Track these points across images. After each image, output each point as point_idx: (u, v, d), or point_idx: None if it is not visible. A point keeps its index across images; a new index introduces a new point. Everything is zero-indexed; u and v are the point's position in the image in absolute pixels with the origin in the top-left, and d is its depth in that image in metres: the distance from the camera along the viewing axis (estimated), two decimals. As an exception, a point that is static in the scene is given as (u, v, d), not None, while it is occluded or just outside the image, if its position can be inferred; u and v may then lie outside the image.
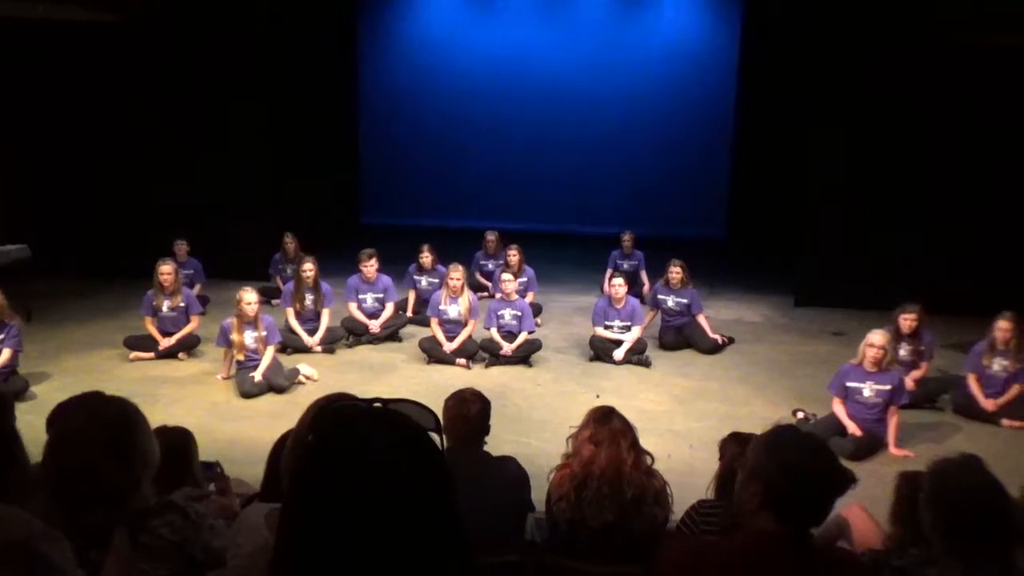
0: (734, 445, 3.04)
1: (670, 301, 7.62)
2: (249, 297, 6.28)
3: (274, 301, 8.28)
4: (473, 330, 7.07)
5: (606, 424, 2.98)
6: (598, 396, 6.00)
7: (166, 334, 6.90)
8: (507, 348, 6.92)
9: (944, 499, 2.06)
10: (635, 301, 7.51)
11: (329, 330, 7.31)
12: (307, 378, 6.47)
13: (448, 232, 11.55)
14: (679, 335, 7.57)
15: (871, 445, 5.25)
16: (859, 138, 8.81)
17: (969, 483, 2.07)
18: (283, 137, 10.32)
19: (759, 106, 12.26)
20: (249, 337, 6.30)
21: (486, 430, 3.28)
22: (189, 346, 7.01)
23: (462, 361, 6.92)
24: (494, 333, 7.03)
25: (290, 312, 7.30)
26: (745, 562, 1.67)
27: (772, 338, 8.06)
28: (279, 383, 6.19)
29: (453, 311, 7.07)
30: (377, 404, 1.08)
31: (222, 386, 6.31)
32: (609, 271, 9.19)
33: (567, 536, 2.90)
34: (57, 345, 7.12)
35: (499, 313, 7.11)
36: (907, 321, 6.11)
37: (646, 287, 9.13)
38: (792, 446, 1.73)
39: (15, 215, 9.00)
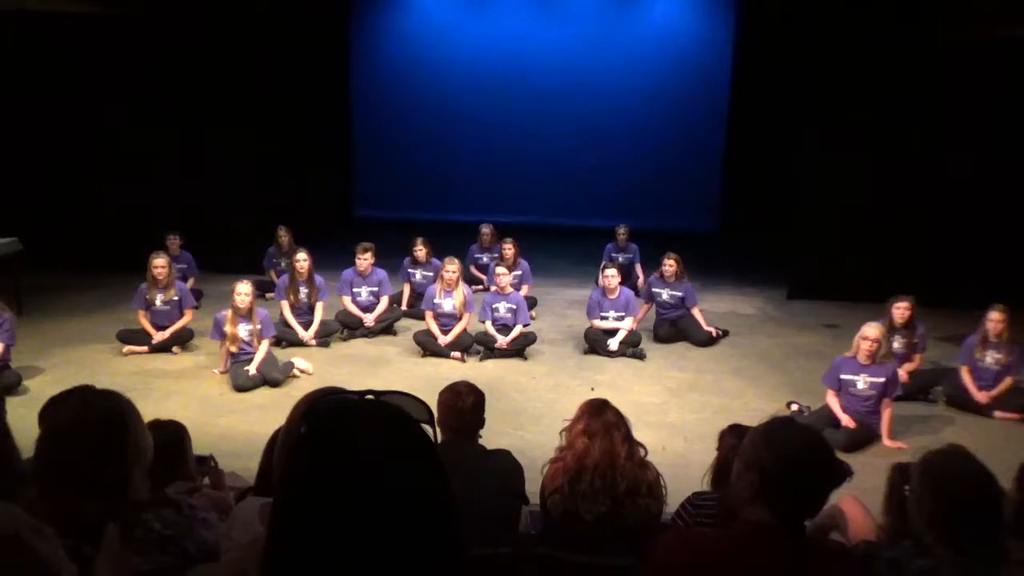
0: (732, 437, 3.03)
1: (665, 294, 7.63)
2: (241, 288, 6.29)
3: (268, 294, 8.27)
4: (468, 323, 7.07)
5: (600, 417, 2.98)
6: (593, 389, 6.02)
7: (159, 328, 6.87)
8: (502, 341, 6.92)
9: (933, 489, 2.06)
10: (628, 291, 7.53)
11: (323, 324, 7.29)
12: (301, 371, 6.46)
13: (442, 225, 11.54)
14: (674, 328, 7.58)
15: (865, 437, 5.28)
16: (854, 132, 8.81)
17: (957, 473, 2.08)
18: (276, 129, 10.28)
19: (753, 99, 12.27)
20: (243, 330, 6.29)
21: (480, 423, 3.27)
22: (183, 340, 7.00)
23: (457, 354, 6.91)
24: (489, 326, 7.03)
25: (285, 305, 7.29)
26: (739, 553, 1.68)
27: (766, 330, 8.08)
28: (273, 377, 6.18)
29: (448, 304, 7.06)
30: (370, 396, 1.08)
31: (216, 380, 6.29)
32: (604, 264, 9.20)
33: (561, 528, 2.91)
34: (50, 339, 7.09)
35: (494, 306, 7.11)
36: (900, 311, 6.14)
37: (641, 280, 9.15)
38: (789, 438, 1.73)
39: (6, 208, 8.94)
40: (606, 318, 7.22)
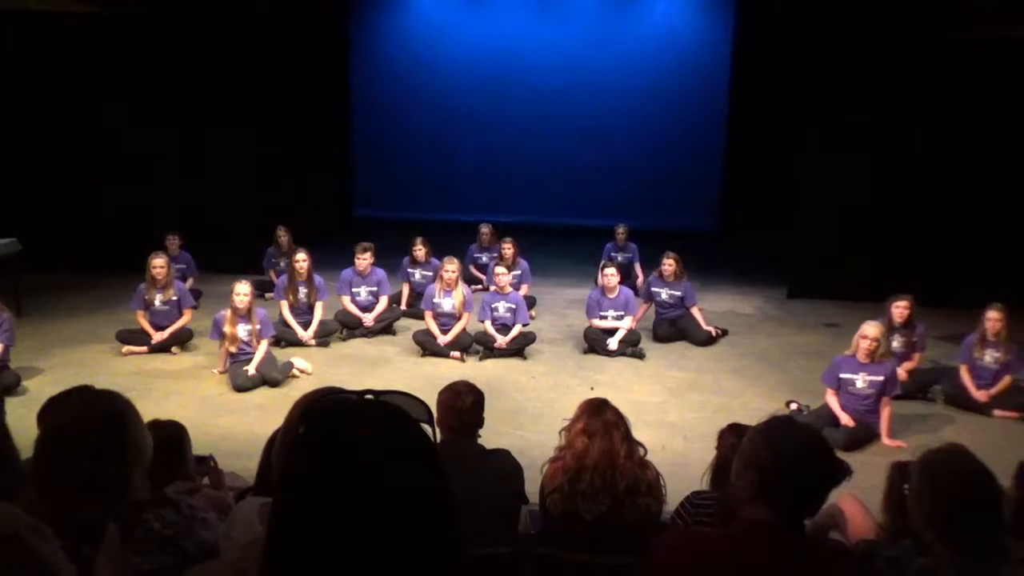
0: (731, 436, 3.03)
1: (664, 294, 7.63)
2: (240, 288, 6.29)
3: (267, 294, 8.27)
4: (467, 323, 7.07)
5: (599, 416, 2.98)
6: (592, 388, 6.02)
7: (159, 328, 6.87)
8: (501, 341, 6.92)
9: (933, 488, 2.06)
10: (628, 291, 7.53)
11: (323, 323, 7.29)
12: (301, 371, 6.46)
13: (442, 225, 11.54)
14: (673, 327, 7.58)
15: (864, 436, 5.29)
16: (854, 132, 8.80)
17: (957, 472, 2.08)
18: (276, 129, 10.28)
19: (753, 99, 12.27)
20: (242, 330, 6.29)
21: (480, 423, 3.27)
22: (182, 340, 6.99)
23: (456, 354, 6.91)
24: (488, 326, 7.03)
25: (284, 305, 7.29)
26: (738, 552, 1.68)
27: (765, 330, 8.08)
28: (273, 377, 6.18)
29: (447, 304, 7.06)
30: (369, 396, 1.08)
31: (215, 380, 6.29)
32: (603, 263, 9.20)
33: (561, 528, 2.91)
34: (49, 339, 7.09)
35: (493, 306, 7.10)
36: (899, 310, 6.14)
37: (640, 279, 9.15)
38: (789, 437, 1.72)
39: (6, 208, 8.93)
40: (605, 317, 7.22)
